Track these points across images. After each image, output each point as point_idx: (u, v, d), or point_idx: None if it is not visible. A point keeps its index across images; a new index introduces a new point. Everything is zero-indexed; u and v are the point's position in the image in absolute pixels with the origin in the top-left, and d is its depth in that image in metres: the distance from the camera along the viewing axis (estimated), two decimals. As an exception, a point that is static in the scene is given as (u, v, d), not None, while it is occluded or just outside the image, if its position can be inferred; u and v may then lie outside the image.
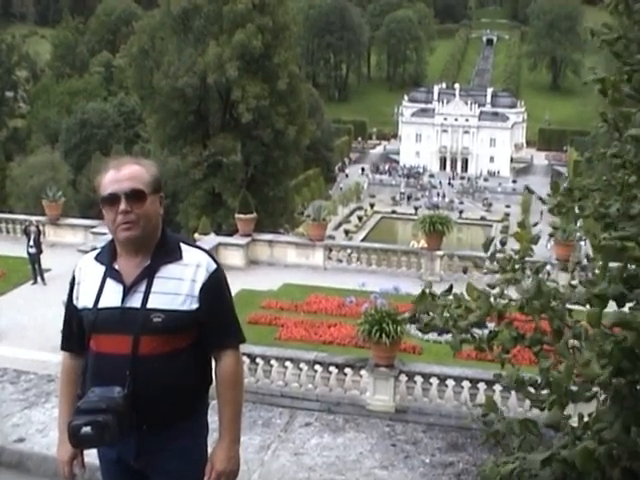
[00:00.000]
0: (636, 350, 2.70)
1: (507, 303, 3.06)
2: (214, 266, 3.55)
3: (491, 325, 3.19)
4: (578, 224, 3.30)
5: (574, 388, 2.97)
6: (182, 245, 3.56)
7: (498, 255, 3.25)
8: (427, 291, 3.14)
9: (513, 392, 13.81)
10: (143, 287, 3.44)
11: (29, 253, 23.40)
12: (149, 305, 3.41)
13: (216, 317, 3.53)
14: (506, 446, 3.11)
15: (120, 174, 3.42)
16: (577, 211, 3.15)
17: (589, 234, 3.08)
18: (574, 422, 3.04)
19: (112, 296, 3.47)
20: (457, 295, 3.17)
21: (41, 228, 25.80)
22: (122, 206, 3.36)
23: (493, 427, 3.19)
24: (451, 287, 3.20)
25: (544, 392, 3.11)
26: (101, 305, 3.48)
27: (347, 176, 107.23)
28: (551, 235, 3.42)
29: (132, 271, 3.48)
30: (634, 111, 3.02)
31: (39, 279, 23.40)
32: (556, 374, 2.94)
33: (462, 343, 3.13)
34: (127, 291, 3.45)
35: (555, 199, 3.24)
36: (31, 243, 23.41)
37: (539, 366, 2.96)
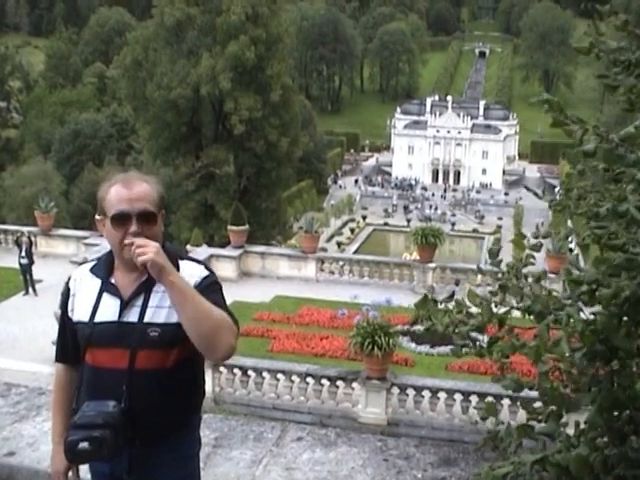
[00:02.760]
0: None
1: (508, 310, 3.08)
2: (207, 272, 3.54)
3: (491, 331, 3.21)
4: (569, 223, 3.33)
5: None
6: (180, 261, 3.53)
7: (501, 263, 3.26)
8: (429, 296, 3.16)
9: (505, 404, 13.81)
10: (140, 301, 3.43)
11: (21, 264, 23.34)
12: (146, 319, 3.40)
13: None
14: (504, 451, 3.12)
15: (133, 193, 3.37)
16: (572, 208, 3.19)
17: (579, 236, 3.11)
18: (570, 431, 3.05)
19: (109, 310, 3.45)
20: (458, 300, 3.19)
21: (33, 239, 25.74)
22: (133, 227, 3.33)
23: (492, 431, 3.20)
24: (453, 293, 3.22)
25: (540, 404, 3.13)
26: (97, 319, 3.46)
27: (340, 187, 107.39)
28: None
29: (129, 285, 3.46)
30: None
31: (31, 290, 23.34)
32: (553, 383, 2.95)
33: (463, 348, 3.15)
34: (124, 305, 3.44)
35: (550, 197, 3.28)
36: (23, 254, 23.35)
37: (537, 370, 2.97)
